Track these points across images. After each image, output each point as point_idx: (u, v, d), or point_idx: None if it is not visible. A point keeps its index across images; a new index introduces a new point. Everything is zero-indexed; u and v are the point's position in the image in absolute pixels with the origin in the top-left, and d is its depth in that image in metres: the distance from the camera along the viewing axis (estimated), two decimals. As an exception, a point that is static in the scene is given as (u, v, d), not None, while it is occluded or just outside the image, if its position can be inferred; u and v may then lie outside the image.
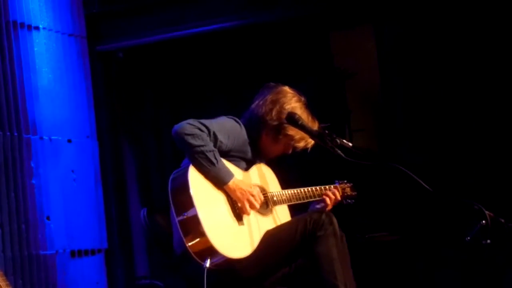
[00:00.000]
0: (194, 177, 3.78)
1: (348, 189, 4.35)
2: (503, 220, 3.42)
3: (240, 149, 3.99)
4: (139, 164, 6.21)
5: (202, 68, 6.19)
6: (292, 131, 4.03)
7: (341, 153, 3.82)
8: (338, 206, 4.27)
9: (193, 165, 3.80)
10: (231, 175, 3.84)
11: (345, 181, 4.38)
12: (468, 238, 3.39)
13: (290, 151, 4.15)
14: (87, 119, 5.67)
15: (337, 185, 4.33)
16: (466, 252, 4.79)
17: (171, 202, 3.78)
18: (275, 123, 4.02)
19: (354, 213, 4.86)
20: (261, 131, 4.06)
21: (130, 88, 6.18)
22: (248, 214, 3.87)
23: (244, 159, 4.03)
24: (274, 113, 4.02)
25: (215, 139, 3.84)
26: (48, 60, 5.42)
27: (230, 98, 6.04)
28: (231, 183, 3.83)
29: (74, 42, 5.65)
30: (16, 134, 5.10)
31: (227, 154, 3.93)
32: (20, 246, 5.02)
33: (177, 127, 3.82)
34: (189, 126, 3.80)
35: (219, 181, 3.83)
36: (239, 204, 3.86)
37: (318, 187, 4.22)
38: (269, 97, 4.07)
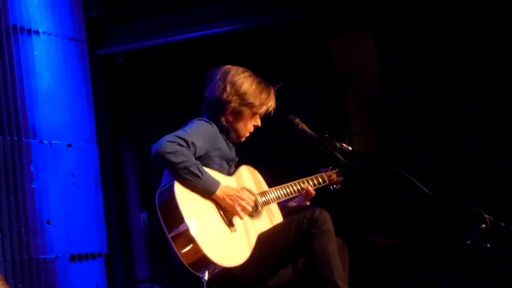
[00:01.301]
0: (180, 191, 3.76)
1: (334, 175, 4.37)
2: (502, 224, 3.41)
3: (216, 147, 3.98)
4: (138, 168, 6.20)
5: (201, 72, 6.18)
6: (251, 97, 4.04)
7: (341, 157, 3.83)
8: (335, 206, 4.26)
9: (178, 181, 3.77)
10: (217, 184, 3.83)
11: (330, 167, 4.39)
12: (468, 242, 3.39)
13: (259, 122, 4.14)
14: (87, 123, 5.67)
15: (322, 173, 4.35)
16: (466, 256, 4.78)
17: (160, 218, 3.74)
18: (234, 97, 4.03)
19: (354, 217, 4.86)
20: (224, 113, 4.07)
21: (130, 92, 6.18)
22: (241, 218, 3.86)
23: (223, 157, 4.02)
24: (228, 89, 4.04)
25: (194, 147, 3.83)
26: (48, 64, 5.42)
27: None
28: (218, 192, 3.82)
29: (74, 46, 5.65)
30: (16, 138, 5.11)
31: (207, 156, 3.93)
32: (20, 250, 5.02)
33: (156, 147, 3.78)
34: (168, 143, 3.76)
35: (207, 192, 3.81)
36: (231, 210, 3.84)
37: (303, 180, 4.23)
38: (217, 78, 4.09)
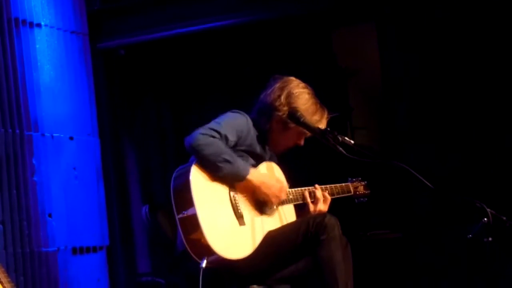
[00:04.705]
0: (196, 176, 3.77)
1: (361, 188, 4.33)
2: (504, 218, 3.41)
3: (247, 143, 3.97)
4: (140, 161, 6.21)
5: (204, 65, 6.19)
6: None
7: (343, 151, 3.81)
8: (343, 204, 4.25)
9: (211, 170, 3.79)
10: (248, 169, 3.85)
11: (359, 178, 4.36)
12: (470, 235, 3.39)
13: (302, 142, 4.14)
14: (88, 116, 5.67)
15: (349, 183, 4.32)
16: (467, 250, 4.79)
17: (172, 199, 3.78)
18: (285, 108, 4.01)
19: (356, 211, 4.86)
20: (271, 119, 4.05)
21: (131, 85, 6.18)
22: (275, 207, 3.91)
23: (252, 154, 4.00)
24: (283, 98, 4.01)
25: (226, 140, 3.84)
26: (50, 57, 5.42)
27: (232, 96, 6.04)
28: (255, 179, 3.86)
29: (76, 39, 5.65)
30: (18, 131, 5.10)
31: (233, 149, 3.91)
32: (21, 243, 5.02)
33: (190, 139, 3.81)
34: (201, 136, 3.79)
35: (238, 176, 3.83)
36: (266, 199, 3.88)
37: (326, 186, 4.19)
38: (277, 86, 4.07)
